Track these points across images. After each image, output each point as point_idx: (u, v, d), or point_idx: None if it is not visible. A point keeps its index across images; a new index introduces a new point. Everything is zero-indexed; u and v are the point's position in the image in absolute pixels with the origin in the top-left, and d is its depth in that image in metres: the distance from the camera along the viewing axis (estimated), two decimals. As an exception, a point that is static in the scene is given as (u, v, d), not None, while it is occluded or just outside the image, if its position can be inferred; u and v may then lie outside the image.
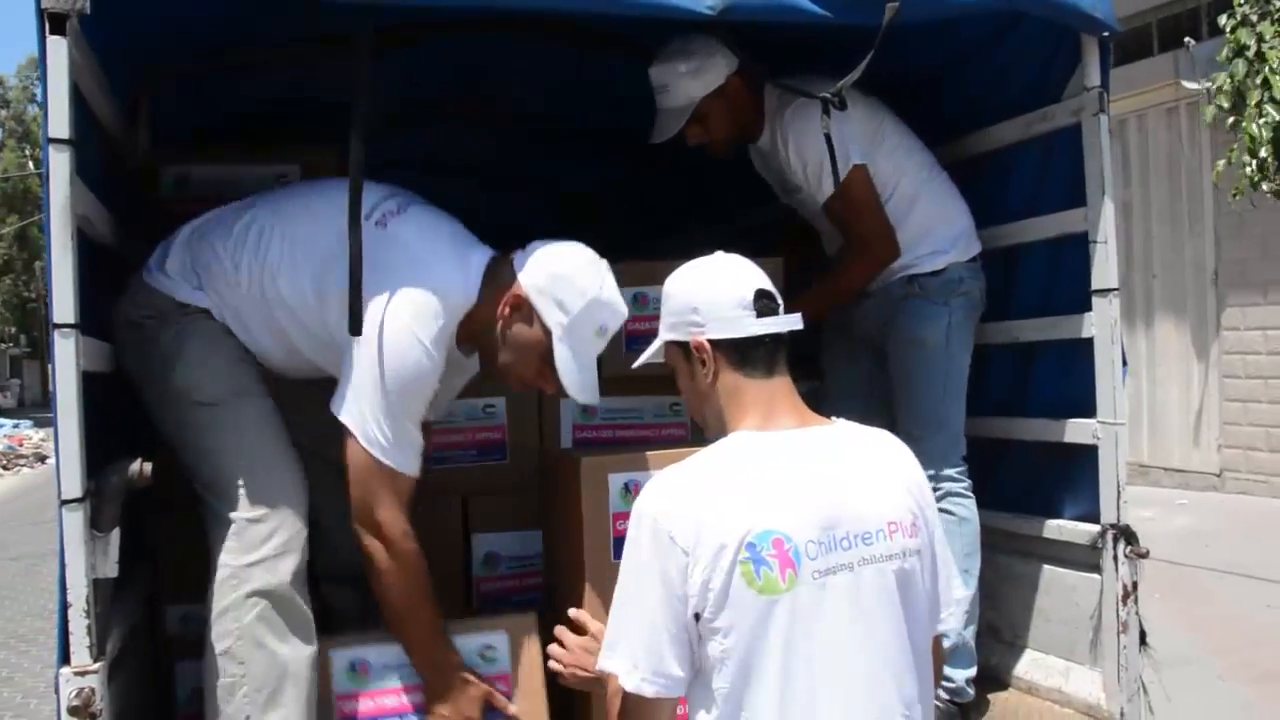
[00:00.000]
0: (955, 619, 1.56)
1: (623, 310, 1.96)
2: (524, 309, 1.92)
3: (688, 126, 2.52)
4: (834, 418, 1.54)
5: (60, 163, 1.58)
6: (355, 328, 1.82)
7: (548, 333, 1.91)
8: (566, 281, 1.90)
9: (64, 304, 1.58)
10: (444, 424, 2.39)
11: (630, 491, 2.00)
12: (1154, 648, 2.40)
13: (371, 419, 1.84)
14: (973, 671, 2.49)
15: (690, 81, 2.47)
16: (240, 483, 1.88)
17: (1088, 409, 2.40)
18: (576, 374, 1.91)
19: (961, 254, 2.60)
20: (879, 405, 2.66)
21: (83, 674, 1.57)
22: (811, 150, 2.49)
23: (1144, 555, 2.33)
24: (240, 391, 1.94)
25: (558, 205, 4.48)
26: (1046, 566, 2.59)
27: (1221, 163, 7.06)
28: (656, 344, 1.63)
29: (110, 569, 1.65)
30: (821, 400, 2.71)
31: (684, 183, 3.61)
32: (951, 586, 1.55)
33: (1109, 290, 2.37)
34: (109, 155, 2.17)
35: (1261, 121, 6.53)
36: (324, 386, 2.00)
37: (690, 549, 1.34)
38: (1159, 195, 8.64)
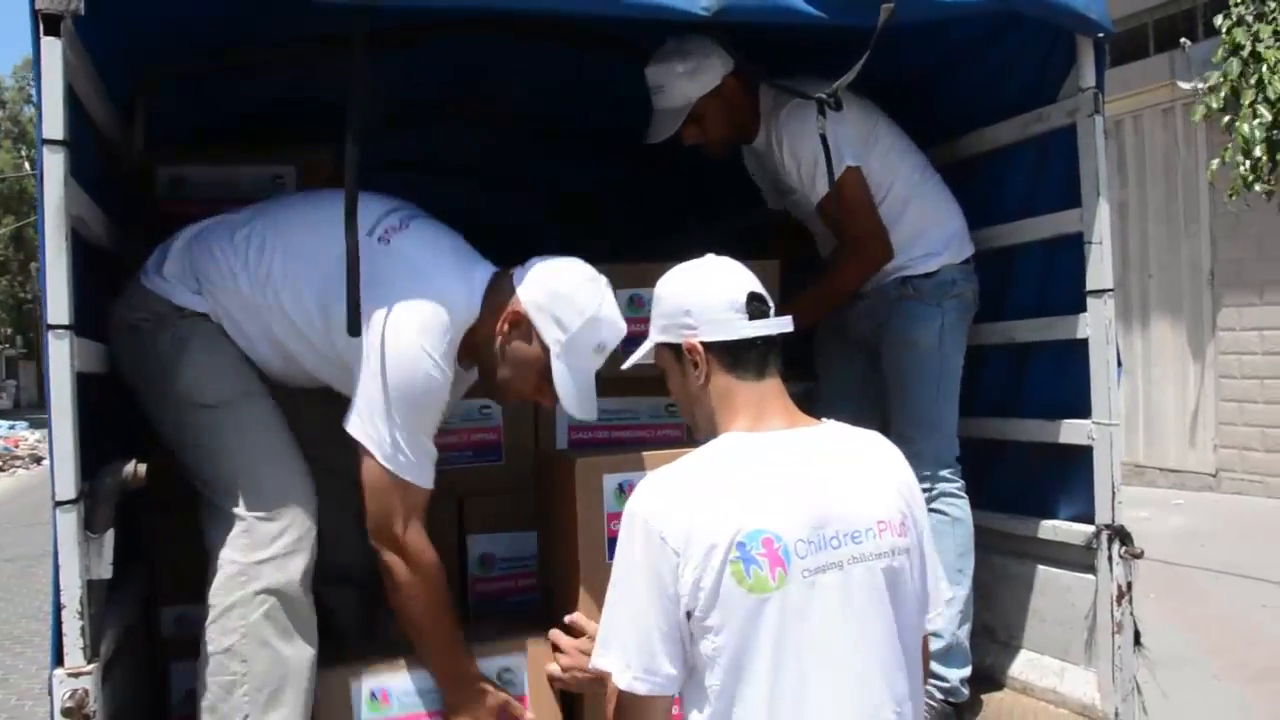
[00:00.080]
0: (942, 619, 1.57)
1: (622, 327, 1.97)
2: (523, 325, 1.93)
3: (684, 127, 2.53)
4: (824, 419, 1.55)
5: (55, 164, 1.58)
6: (354, 328, 1.82)
7: (546, 350, 1.92)
8: (566, 299, 1.91)
9: (58, 305, 1.58)
10: (439, 425, 2.39)
11: (625, 492, 2.00)
12: (1149, 648, 2.40)
13: (388, 436, 1.84)
14: (967, 671, 2.50)
15: (687, 82, 2.47)
16: (248, 482, 1.87)
17: (1083, 409, 2.41)
18: (574, 391, 1.92)
19: (955, 256, 2.61)
20: (872, 407, 2.67)
21: (76, 675, 1.57)
22: (806, 151, 2.49)
23: (1138, 555, 2.34)
24: (243, 392, 1.94)
25: (557, 205, 4.48)
26: (1041, 567, 2.60)
27: (1216, 162, 7.08)
28: (647, 345, 1.65)
29: (104, 570, 1.64)
30: (815, 401, 2.72)
31: (683, 183, 3.61)
32: (940, 588, 1.56)
33: (1104, 291, 2.37)
34: (104, 156, 2.17)
35: (1256, 122, 6.55)
36: (317, 392, 2.01)
37: (681, 549, 1.36)
38: (1155, 196, 8.66)
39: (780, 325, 1.56)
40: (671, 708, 1.43)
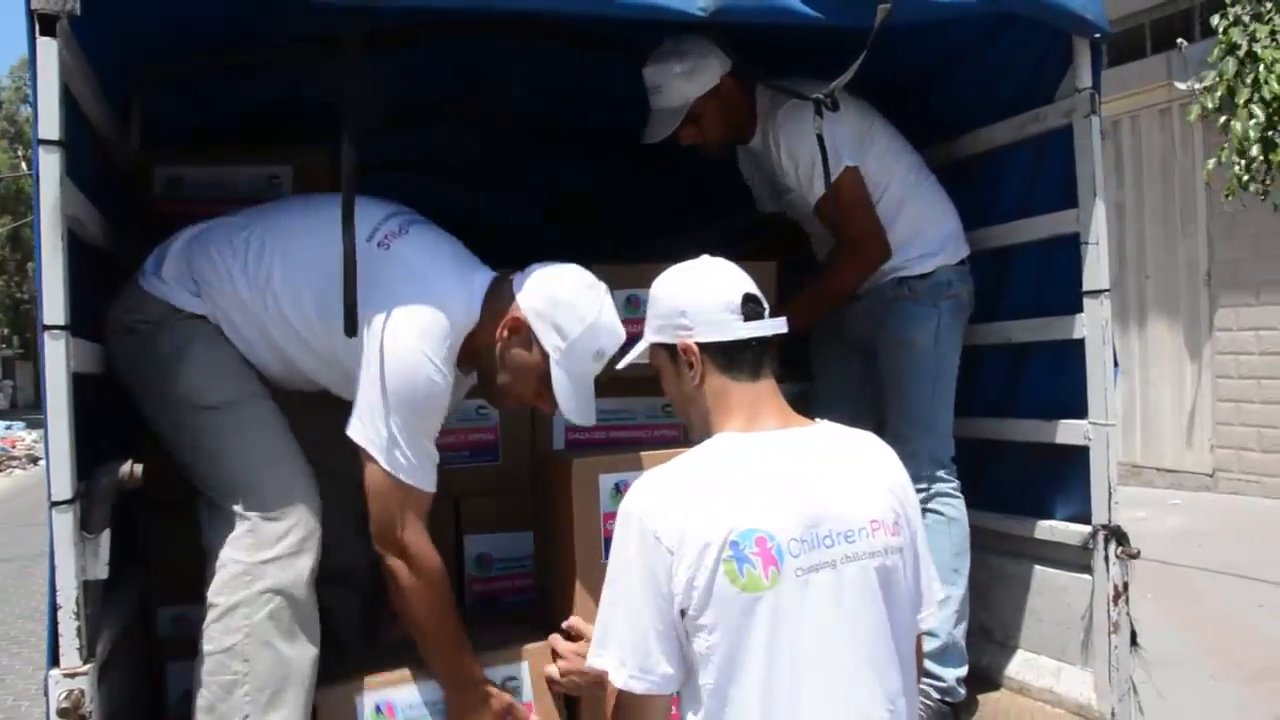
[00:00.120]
0: (935, 618, 1.58)
1: (621, 334, 1.97)
2: (522, 332, 1.93)
3: (682, 127, 2.53)
4: (818, 419, 1.56)
5: (50, 164, 1.58)
6: (350, 328, 1.82)
7: (546, 356, 1.92)
8: (566, 307, 1.91)
9: (54, 305, 1.58)
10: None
11: (621, 492, 1.99)
12: (1145, 648, 2.41)
13: (390, 440, 1.84)
14: (964, 671, 2.50)
15: (685, 82, 2.47)
16: (252, 482, 1.87)
17: (1079, 410, 2.41)
18: (573, 397, 1.93)
19: (950, 257, 2.61)
20: (869, 407, 2.67)
21: (72, 676, 1.57)
22: (804, 151, 2.49)
23: (1135, 556, 2.34)
24: (244, 393, 1.94)
25: (556, 205, 4.48)
26: (1038, 567, 2.60)
27: (1211, 162, 7.09)
28: (642, 345, 1.66)
29: (100, 570, 1.64)
30: (811, 402, 2.72)
31: (682, 183, 3.61)
32: (932, 588, 1.57)
33: (1100, 291, 2.38)
34: (101, 156, 2.17)
35: (1251, 123, 6.56)
36: (316, 395, 2.01)
37: (675, 548, 1.37)
38: (1152, 196, 8.67)
39: (775, 326, 1.56)
40: (670, 707, 1.43)
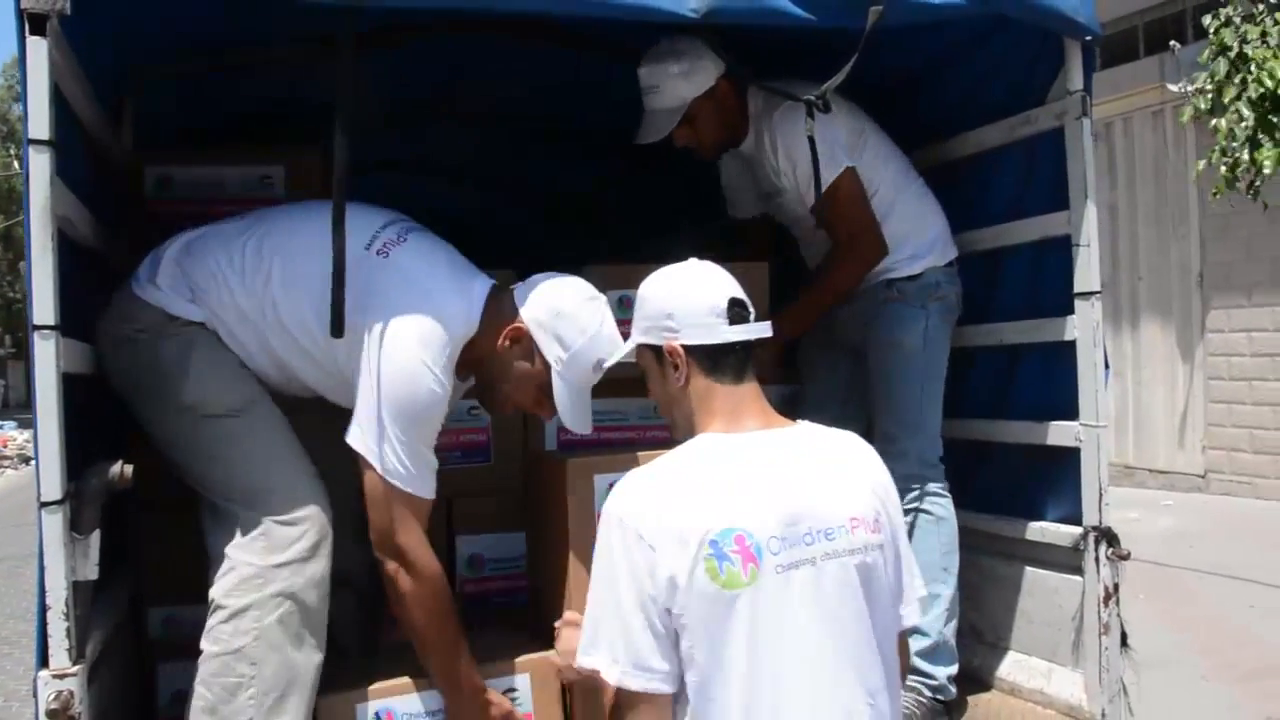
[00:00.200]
0: (917, 614, 1.59)
1: (620, 345, 1.97)
2: (524, 342, 1.95)
3: (677, 128, 2.53)
4: (800, 420, 1.58)
5: (40, 164, 1.58)
6: (337, 329, 1.82)
7: (547, 366, 1.94)
8: (568, 318, 1.93)
9: (44, 305, 1.58)
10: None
11: (614, 492, 2.00)
12: (1135, 649, 2.41)
13: (389, 448, 1.84)
14: (954, 669, 2.50)
15: (682, 83, 2.47)
16: (263, 487, 1.87)
17: (1070, 411, 2.42)
18: (572, 406, 1.95)
19: (938, 259, 2.62)
20: (857, 409, 2.68)
21: (62, 677, 1.56)
22: (802, 152, 2.49)
23: (1125, 557, 2.35)
24: (249, 399, 1.93)
25: (551, 206, 4.48)
26: (1029, 568, 2.61)
27: (1202, 163, 7.11)
28: (629, 345, 1.69)
29: (90, 571, 1.64)
30: (800, 404, 2.72)
31: (677, 183, 3.62)
32: (915, 584, 1.58)
33: (1091, 293, 2.38)
34: (91, 156, 2.16)
35: (1241, 125, 6.58)
36: (314, 401, 2.01)
37: (656, 546, 1.39)
38: (1144, 198, 8.70)
39: (760, 330, 1.59)
40: (670, 706, 1.43)
